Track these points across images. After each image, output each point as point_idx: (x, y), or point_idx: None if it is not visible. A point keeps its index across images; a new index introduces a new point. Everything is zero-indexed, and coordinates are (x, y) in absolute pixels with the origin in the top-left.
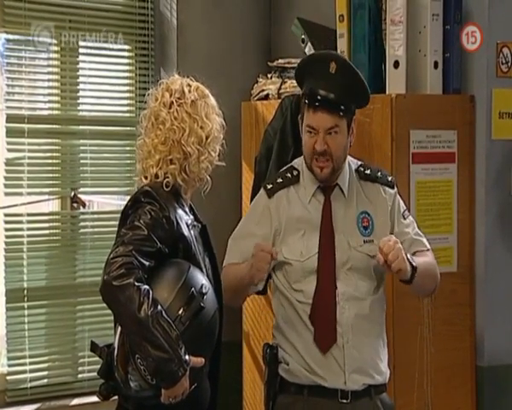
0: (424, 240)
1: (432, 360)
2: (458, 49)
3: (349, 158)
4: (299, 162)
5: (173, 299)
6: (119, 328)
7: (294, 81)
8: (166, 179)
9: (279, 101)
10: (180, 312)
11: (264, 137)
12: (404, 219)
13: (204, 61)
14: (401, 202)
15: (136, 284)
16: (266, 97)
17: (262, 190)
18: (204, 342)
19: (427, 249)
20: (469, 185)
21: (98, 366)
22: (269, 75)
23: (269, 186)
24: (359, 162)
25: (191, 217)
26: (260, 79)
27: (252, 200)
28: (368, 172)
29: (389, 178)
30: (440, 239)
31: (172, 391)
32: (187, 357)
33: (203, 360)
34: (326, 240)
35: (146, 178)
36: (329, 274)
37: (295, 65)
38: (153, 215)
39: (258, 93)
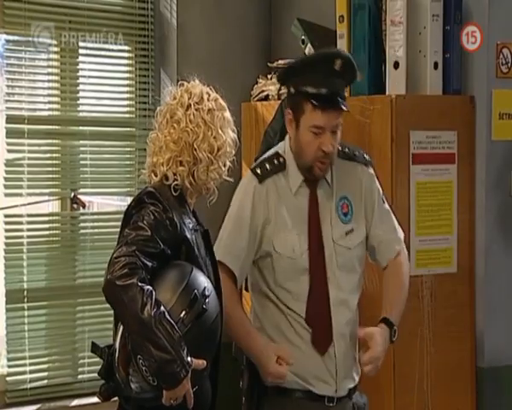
0: (398, 234)
1: (432, 361)
2: (458, 49)
3: None
4: (282, 149)
5: (176, 301)
6: (121, 329)
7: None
8: (175, 182)
9: (279, 102)
10: (183, 314)
11: (264, 138)
12: (383, 203)
13: (204, 61)
14: (378, 185)
15: (140, 284)
16: (266, 98)
17: (251, 175)
18: (206, 345)
19: (400, 249)
20: (469, 186)
21: (98, 367)
22: (269, 76)
23: (258, 171)
24: None
25: (194, 220)
26: (260, 80)
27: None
28: (346, 150)
29: (366, 157)
30: (440, 240)
31: (174, 393)
32: (189, 359)
33: (205, 362)
34: (314, 236)
35: (156, 175)
36: (321, 275)
37: None
38: (156, 216)
39: (258, 94)
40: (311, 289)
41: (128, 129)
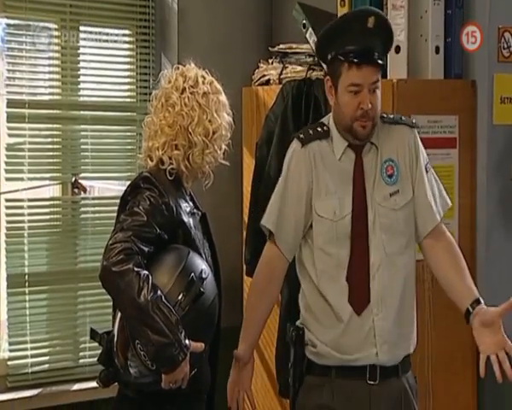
0: (439, 208)
1: (433, 345)
2: (460, 33)
3: None
4: (326, 120)
5: (173, 284)
6: (119, 314)
7: (295, 66)
8: (171, 166)
9: (280, 86)
10: (180, 297)
11: (265, 123)
12: (427, 172)
13: (205, 46)
14: (423, 150)
15: (136, 269)
16: (267, 83)
17: (294, 140)
18: (204, 327)
19: (437, 221)
20: (471, 170)
21: (99, 352)
22: (270, 60)
23: (301, 136)
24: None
25: (191, 204)
26: (261, 65)
27: (253, 186)
28: (391, 116)
29: (412, 120)
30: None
31: (173, 376)
32: (187, 341)
33: (203, 345)
34: (358, 201)
35: (151, 159)
36: (362, 238)
37: (296, 50)
38: (152, 201)
39: (260, 78)
40: (352, 252)
41: (129, 113)
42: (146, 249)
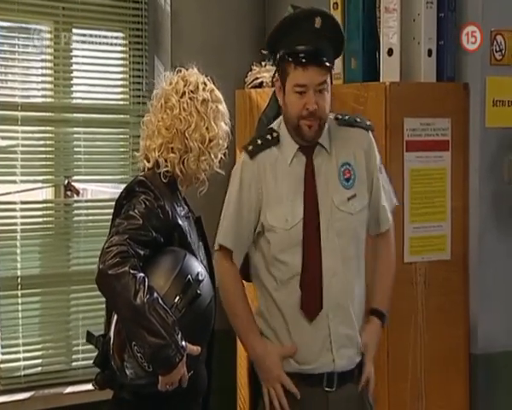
0: (386, 206)
1: (425, 348)
2: (452, 36)
3: None
4: (277, 124)
5: (169, 287)
6: (115, 317)
7: None
8: (165, 169)
9: (273, 89)
10: (176, 299)
11: (257, 125)
12: (381, 173)
13: (198, 48)
14: (377, 151)
15: (132, 271)
16: (260, 85)
17: (243, 153)
18: (200, 330)
19: (389, 224)
20: (463, 173)
21: (93, 355)
22: (263, 63)
23: (249, 148)
24: (334, 113)
25: (186, 208)
26: (254, 67)
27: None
28: (346, 117)
29: (367, 122)
30: (434, 227)
31: (169, 378)
32: (183, 343)
33: (199, 348)
34: (310, 206)
35: (148, 160)
36: (315, 243)
37: None
38: (147, 205)
39: (252, 81)
40: (305, 258)
41: (122, 116)
42: (142, 252)
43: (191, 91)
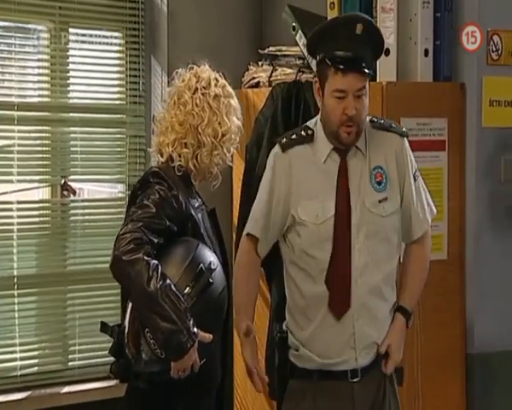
0: (427, 213)
1: (422, 348)
2: (449, 36)
3: None
4: (313, 122)
5: (182, 275)
6: (130, 305)
7: (285, 69)
8: (179, 163)
9: (270, 88)
10: (188, 287)
11: (255, 125)
12: (415, 180)
13: (195, 48)
14: (413, 158)
15: (146, 258)
16: (257, 85)
17: (276, 146)
18: (212, 318)
19: (427, 229)
20: (460, 173)
21: (89, 354)
22: (260, 63)
23: (283, 141)
24: (370, 115)
25: (199, 200)
26: (251, 67)
27: (243, 187)
28: (382, 121)
29: (403, 129)
30: (431, 227)
31: (181, 364)
32: (195, 329)
33: (211, 335)
34: (342, 204)
35: (161, 155)
36: (345, 242)
37: (286, 53)
38: (161, 194)
39: (249, 81)
40: (334, 255)
41: (118, 116)
42: (155, 240)
43: (203, 87)
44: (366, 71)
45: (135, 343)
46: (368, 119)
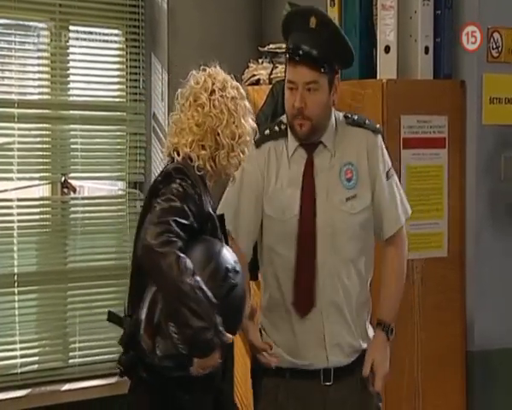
0: (399, 214)
1: (422, 346)
2: (449, 34)
3: (336, 112)
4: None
5: (209, 275)
6: (148, 297)
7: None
8: (198, 163)
9: (270, 86)
10: (215, 288)
11: (255, 122)
12: (388, 178)
13: (195, 45)
14: (386, 156)
15: (178, 253)
16: (257, 82)
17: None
18: (235, 319)
19: (398, 231)
20: (460, 170)
21: (89, 352)
22: (260, 60)
23: (256, 137)
24: (345, 112)
25: (211, 202)
26: (251, 64)
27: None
28: (355, 117)
29: (377, 125)
30: (431, 224)
31: (205, 362)
32: (222, 329)
33: (232, 336)
34: (307, 201)
35: (178, 154)
36: (310, 239)
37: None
38: (186, 189)
39: (250, 78)
40: (299, 254)
41: (119, 113)
42: (182, 235)
43: (220, 89)
44: (315, 65)
45: (151, 336)
46: (342, 114)
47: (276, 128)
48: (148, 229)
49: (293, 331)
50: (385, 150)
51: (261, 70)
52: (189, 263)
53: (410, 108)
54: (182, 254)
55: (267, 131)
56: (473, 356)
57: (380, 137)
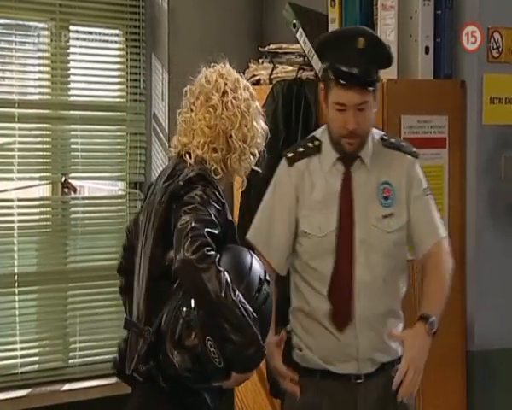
0: (436, 228)
1: None
2: (449, 34)
3: (373, 129)
4: (320, 131)
5: (245, 288)
6: (167, 308)
7: (286, 66)
8: (214, 166)
9: (270, 86)
10: (251, 300)
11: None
12: (426, 195)
13: (195, 45)
14: (423, 178)
15: (217, 266)
16: (258, 83)
17: (283, 159)
18: (265, 329)
19: (437, 244)
20: (460, 171)
21: (89, 352)
22: (260, 60)
23: (289, 155)
24: (383, 132)
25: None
26: (252, 65)
27: (242, 187)
28: (392, 140)
29: (413, 149)
30: None
31: (243, 376)
32: (263, 343)
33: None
34: (345, 215)
35: (189, 155)
36: (347, 255)
37: (287, 50)
38: (210, 197)
39: (250, 78)
40: (336, 269)
41: (119, 113)
42: (214, 246)
43: (232, 90)
44: (367, 88)
45: (175, 347)
46: (378, 136)
47: (310, 145)
48: (182, 241)
49: (327, 341)
50: (422, 173)
51: (261, 70)
52: (227, 277)
53: (411, 108)
54: (221, 268)
55: (301, 149)
56: (473, 356)
57: (418, 161)
